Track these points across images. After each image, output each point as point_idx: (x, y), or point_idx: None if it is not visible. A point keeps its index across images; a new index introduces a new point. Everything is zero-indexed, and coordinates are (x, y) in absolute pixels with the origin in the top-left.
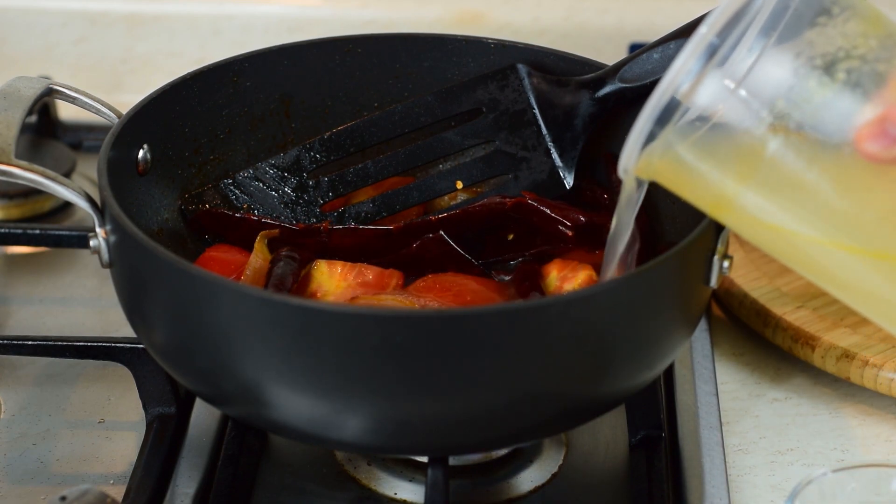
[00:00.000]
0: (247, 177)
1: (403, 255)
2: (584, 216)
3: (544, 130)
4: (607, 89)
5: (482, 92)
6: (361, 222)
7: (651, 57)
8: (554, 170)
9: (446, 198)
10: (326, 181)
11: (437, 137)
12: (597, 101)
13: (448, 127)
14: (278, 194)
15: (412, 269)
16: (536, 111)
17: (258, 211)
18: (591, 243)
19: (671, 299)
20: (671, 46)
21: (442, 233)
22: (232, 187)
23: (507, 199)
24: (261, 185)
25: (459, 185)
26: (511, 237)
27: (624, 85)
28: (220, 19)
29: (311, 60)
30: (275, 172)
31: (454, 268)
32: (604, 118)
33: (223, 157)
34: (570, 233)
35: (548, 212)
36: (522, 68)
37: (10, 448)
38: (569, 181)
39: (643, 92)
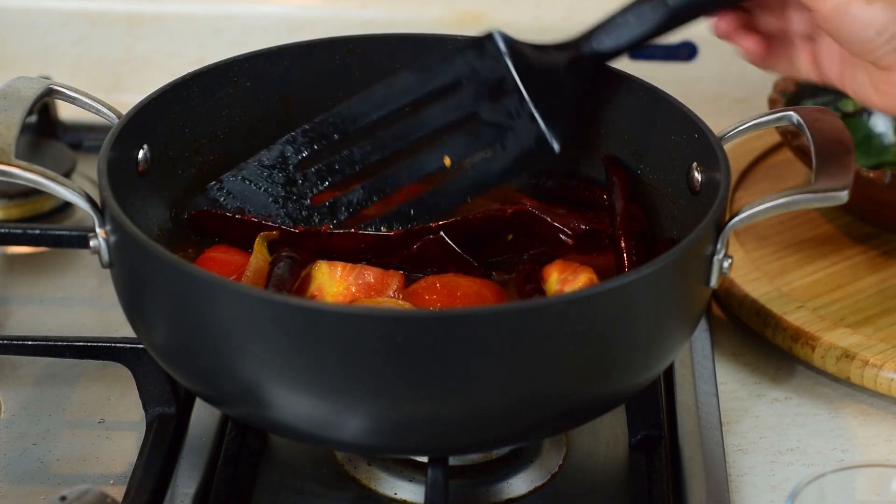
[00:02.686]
0: (234, 178)
1: (404, 255)
2: (584, 223)
3: (526, 96)
4: (584, 50)
5: (460, 63)
6: (354, 209)
7: (626, 19)
8: (541, 136)
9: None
10: (314, 172)
11: (420, 115)
12: (574, 62)
13: (429, 103)
14: (268, 192)
15: (413, 270)
16: (516, 76)
17: (250, 211)
18: (591, 248)
19: (671, 299)
20: (646, 8)
21: (442, 233)
22: (220, 190)
23: (508, 207)
24: (249, 184)
25: (447, 160)
26: (510, 237)
27: (600, 46)
28: (220, 19)
29: (311, 60)
30: (262, 170)
31: (454, 268)
32: (586, 84)
33: (223, 157)
34: (570, 241)
35: (548, 220)
36: (498, 35)
37: (10, 448)
38: (556, 146)
39: (618, 52)
